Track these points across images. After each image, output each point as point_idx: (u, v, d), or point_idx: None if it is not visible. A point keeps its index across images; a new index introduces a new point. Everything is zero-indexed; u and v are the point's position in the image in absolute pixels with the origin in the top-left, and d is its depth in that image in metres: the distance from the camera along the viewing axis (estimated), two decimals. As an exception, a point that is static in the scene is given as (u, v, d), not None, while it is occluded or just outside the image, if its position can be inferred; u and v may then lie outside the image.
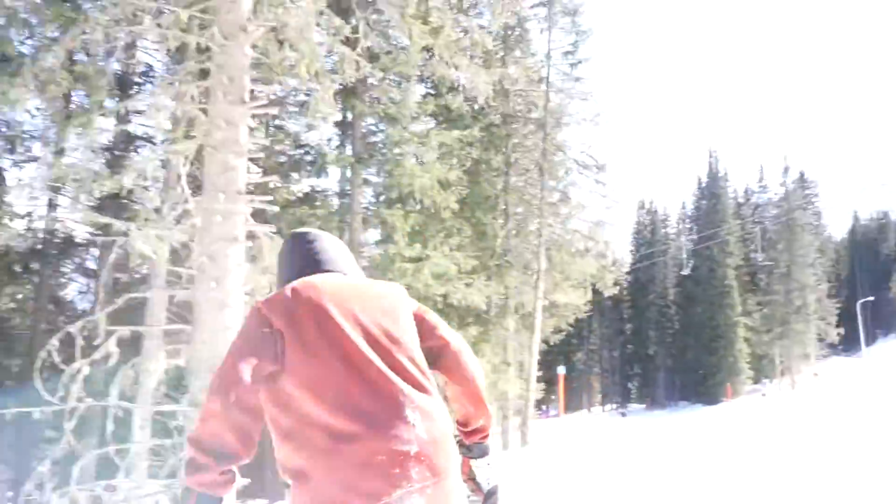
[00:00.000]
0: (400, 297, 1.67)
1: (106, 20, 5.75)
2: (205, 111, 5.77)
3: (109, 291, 9.15)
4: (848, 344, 54.00)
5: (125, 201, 9.74)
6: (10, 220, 12.95)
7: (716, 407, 38.65)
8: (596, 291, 23.08)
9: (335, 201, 16.36)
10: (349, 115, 15.31)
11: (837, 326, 47.17)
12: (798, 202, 48.55)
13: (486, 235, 19.11)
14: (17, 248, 13.46)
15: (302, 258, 1.73)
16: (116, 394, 5.47)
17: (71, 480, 5.17)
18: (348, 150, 15.65)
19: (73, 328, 5.40)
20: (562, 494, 8.65)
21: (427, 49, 10.76)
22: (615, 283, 23.55)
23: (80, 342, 5.36)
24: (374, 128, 16.12)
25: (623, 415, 46.20)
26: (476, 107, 16.75)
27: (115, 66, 10.41)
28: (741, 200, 54.56)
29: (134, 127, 13.25)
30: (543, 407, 41.72)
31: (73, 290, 15.62)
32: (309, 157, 15.89)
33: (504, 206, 20.63)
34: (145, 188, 6.43)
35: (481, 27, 14.37)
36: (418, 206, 14.60)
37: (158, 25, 5.73)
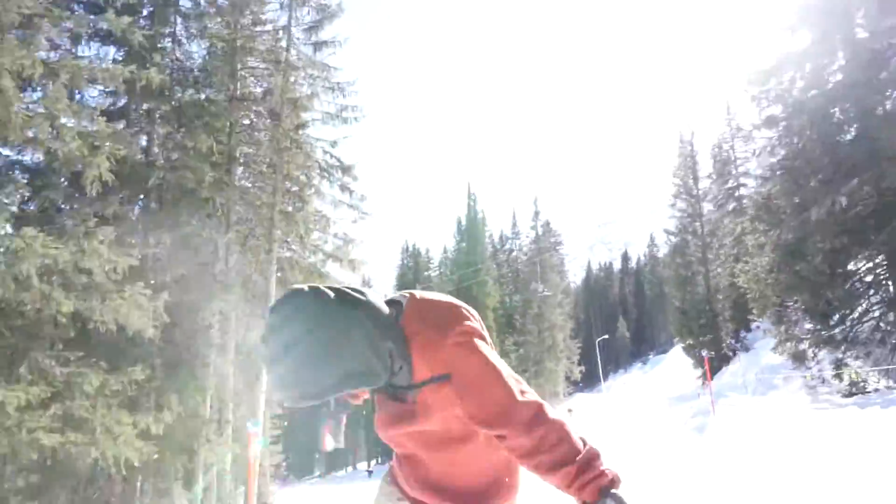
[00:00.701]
0: None
1: None
2: None
3: None
4: (588, 381, 58.53)
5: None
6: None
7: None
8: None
9: None
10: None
11: (579, 365, 50.67)
12: (547, 245, 51.65)
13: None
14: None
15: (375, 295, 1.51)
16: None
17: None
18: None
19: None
20: None
21: None
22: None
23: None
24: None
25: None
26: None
27: None
28: (497, 246, 56.51)
29: None
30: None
31: None
32: None
33: (221, 210, 15.56)
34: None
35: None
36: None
37: None
